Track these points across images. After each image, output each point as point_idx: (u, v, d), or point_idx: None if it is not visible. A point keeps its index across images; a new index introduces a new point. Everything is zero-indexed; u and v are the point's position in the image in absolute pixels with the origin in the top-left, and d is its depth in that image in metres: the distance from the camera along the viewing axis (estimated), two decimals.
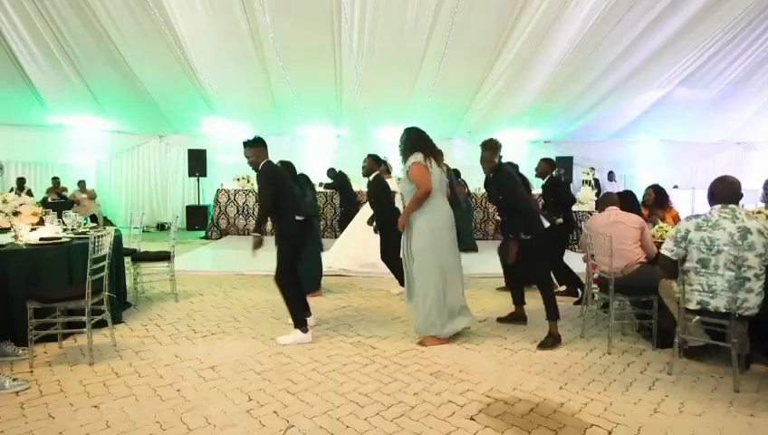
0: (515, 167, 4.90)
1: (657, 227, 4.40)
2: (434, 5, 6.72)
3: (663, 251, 3.17)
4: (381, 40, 7.49)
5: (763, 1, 6.80)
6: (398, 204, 4.57)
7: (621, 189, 7.54)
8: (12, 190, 7.61)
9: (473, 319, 3.97)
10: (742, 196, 3.11)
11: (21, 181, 9.96)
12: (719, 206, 3.05)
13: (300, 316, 3.79)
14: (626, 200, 4.34)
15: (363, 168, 5.59)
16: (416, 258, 3.68)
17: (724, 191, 3.07)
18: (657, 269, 3.69)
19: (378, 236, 5.29)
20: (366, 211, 6.15)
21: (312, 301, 4.99)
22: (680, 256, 3.08)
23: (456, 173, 6.60)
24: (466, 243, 7.56)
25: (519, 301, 4.28)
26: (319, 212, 8.80)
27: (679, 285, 3.10)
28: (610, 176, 11.88)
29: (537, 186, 6.43)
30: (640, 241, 3.82)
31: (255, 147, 3.89)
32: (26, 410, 2.61)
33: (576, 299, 4.94)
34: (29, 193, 8.44)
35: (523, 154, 12.01)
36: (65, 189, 10.53)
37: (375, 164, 5.45)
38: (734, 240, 2.90)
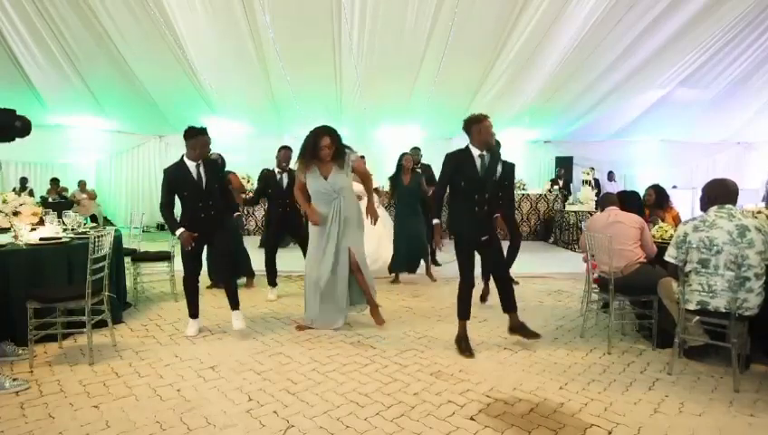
0: None
1: (657, 227, 4.40)
2: (434, 5, 6.72)
3: (667, 258, 3.19)
4: (381, 40, 7.49)
5: (763, 1, 6.80)
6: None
7: (621, 189, 7.55)
8: (14, 190, 7.63)
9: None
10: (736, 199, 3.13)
11: (23, 181, 9.97)
12: (716, 207, 3.08)
13: None
14: (628, 200, 4.34)
15: (282, 161, 5.10)
16: (357, 238, 3.98)
17: (722, 192, 3.10)
18: (657, 269, 3.70)
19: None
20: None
21: None
22: (684, 261, 3.09)
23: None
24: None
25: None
26: None
27: (679, 285, 3.11)
28: (610, 176, 11.89)
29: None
30: (640, 241, 3.81)
31: (208, 137, 3.88)
32: (26, 410, 2.61)
33: None
34: (31, 193, 8.44)
35: (522, 154, 12.06)
36: (65, 190, 10.53)
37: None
38: (734, 238, 2.91)
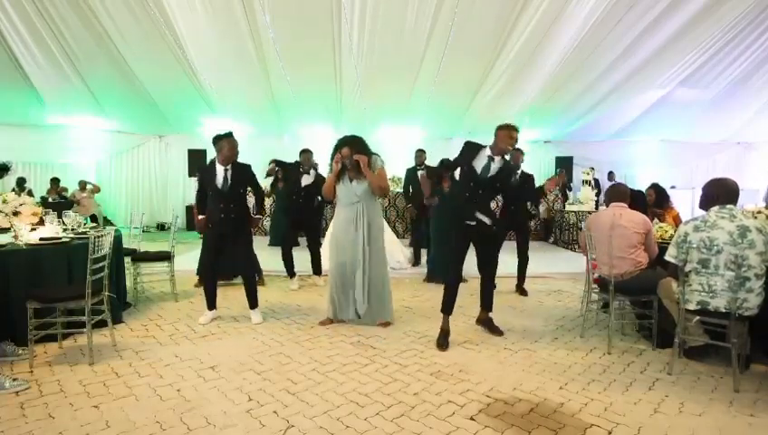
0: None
1: (657, 226, 4.39)
2: (434, 5, 6.72)
3: (667, 258, 3.17)
4: (381, 40, 7.49)
5: (763, 1, 6.80)
6: None
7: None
8: (14, 190, 7.60)
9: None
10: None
11: (21, 181, 9.92)
12: (717, 207, 3.07)
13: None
14: (636, 200, 4.23)
15: (305, 163, 5.58)
16: (380, 252, 4.09)
17: (723, 192, 3.09)
18: (658, 271, 3.69)
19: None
20: None
21: (314, 301, 5.00)
22: (684, 260, 3.08)
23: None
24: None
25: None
26: None
27: (679, 285, 3.11)
28: (610, 176, 11.86)
29: None
30: (643, 244, 3.69)
31: (227, 141, 4.11)
32: (26, 410, 2.61)
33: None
34: (30, 193, 8.42)
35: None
36: (65, 190, 10.53)
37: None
38: (734, 238, 2.90)
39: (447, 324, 3.75)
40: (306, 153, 5.71)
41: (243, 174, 4.16)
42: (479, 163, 3.72)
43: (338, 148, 4.04)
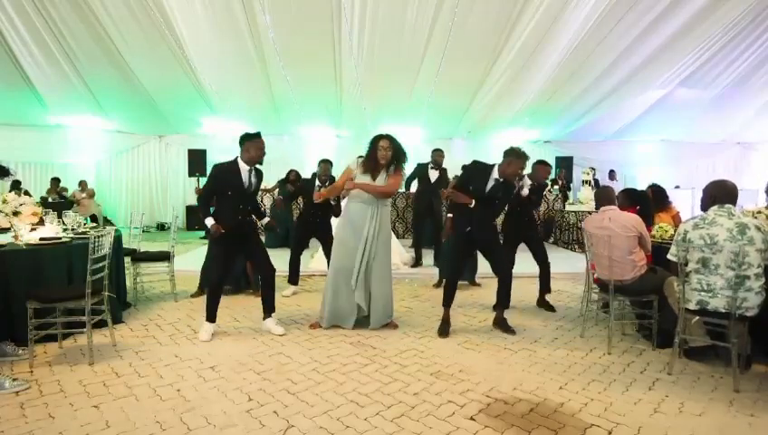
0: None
1: (657, 226, 4.39)
2: (434, 5, 6.73)
3: (669, 256, 3.18)
4: (381, 40, 7.50)
5: (763, 1, 6.80)
6: None
7: (626, 187, 7.48)
8: (18, 190, 7.55)
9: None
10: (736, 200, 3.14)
11: (16, 184, 9.76)
12: (716, 206, 3.09)
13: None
14: (641, 202, 4.26)
15: (322, 174, 5.36)
16: (387, 253, 4.09)
17: (722, 193, 3.11)
18: (659, 274, 3.68)
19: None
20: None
21: (314, 301, 5.00)
22: (684, 258, 3.09)
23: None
24: None
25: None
26: None
27: (679, 284, 3.11)
28: (611, 175, 11.87)
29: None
30: (639, 245, 3.66)
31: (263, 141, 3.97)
32: (26, 410, 2.61)
33: None
34: (27, 194, 8.35)
35: None
36: (65, 190, 10.52)
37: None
38: (734, 235, 2.92)
39: (448, 315, 4.03)
40: (325, 163, 5.46)
41: (259, 178, 4.02)
42: (488, 185, 3.96)
43: (377, 140, 4.04)
